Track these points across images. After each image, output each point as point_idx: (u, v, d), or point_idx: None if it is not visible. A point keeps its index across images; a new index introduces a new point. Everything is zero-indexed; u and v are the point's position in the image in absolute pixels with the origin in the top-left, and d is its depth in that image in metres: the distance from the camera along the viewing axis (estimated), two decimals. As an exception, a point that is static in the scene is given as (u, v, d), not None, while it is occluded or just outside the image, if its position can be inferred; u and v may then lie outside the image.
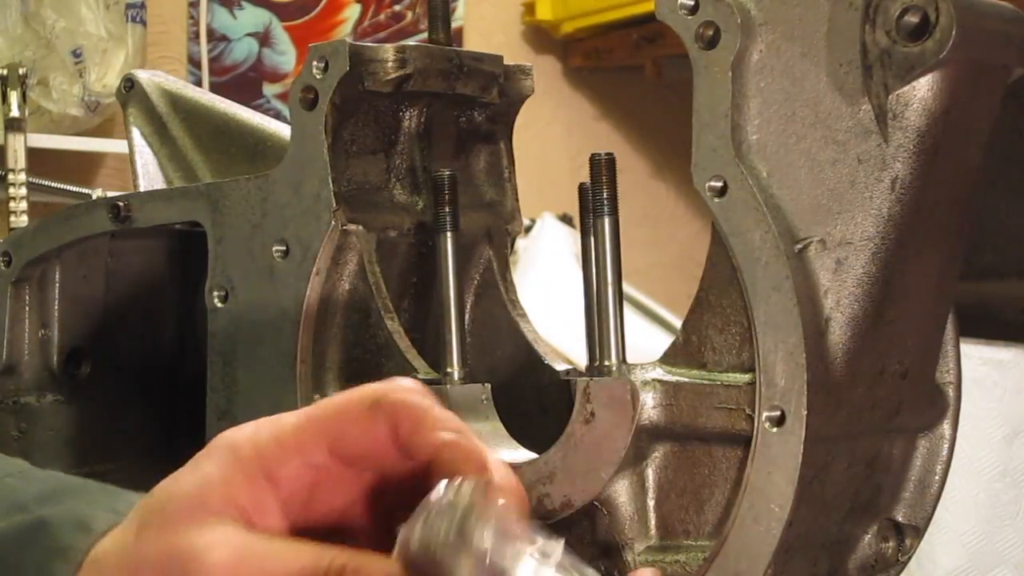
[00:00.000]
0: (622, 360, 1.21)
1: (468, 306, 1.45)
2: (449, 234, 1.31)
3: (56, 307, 1.57)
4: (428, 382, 1.31)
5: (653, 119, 4.96)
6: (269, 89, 4.48)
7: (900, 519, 1.25)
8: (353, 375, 1.36)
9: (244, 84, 4.43)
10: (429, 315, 1.42)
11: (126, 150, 1.61)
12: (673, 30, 1.16)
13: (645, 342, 2.87)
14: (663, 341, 1.64)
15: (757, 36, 1.14)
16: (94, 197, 3.27)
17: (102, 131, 3.94)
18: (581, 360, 1.40)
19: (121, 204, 1.48)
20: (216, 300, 1.41)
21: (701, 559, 1.17)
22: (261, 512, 0.90)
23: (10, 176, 3.37)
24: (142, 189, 1.57)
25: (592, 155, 1.24)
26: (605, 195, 1.22)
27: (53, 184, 3.63)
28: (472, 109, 1.44)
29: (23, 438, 1.57)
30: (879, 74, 1.10)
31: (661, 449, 1.20)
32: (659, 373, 1.19)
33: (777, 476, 1.12)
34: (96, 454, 1.59)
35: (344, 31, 4.62)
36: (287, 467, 0.90)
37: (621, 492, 1.21)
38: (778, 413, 1.12)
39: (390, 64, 1.34)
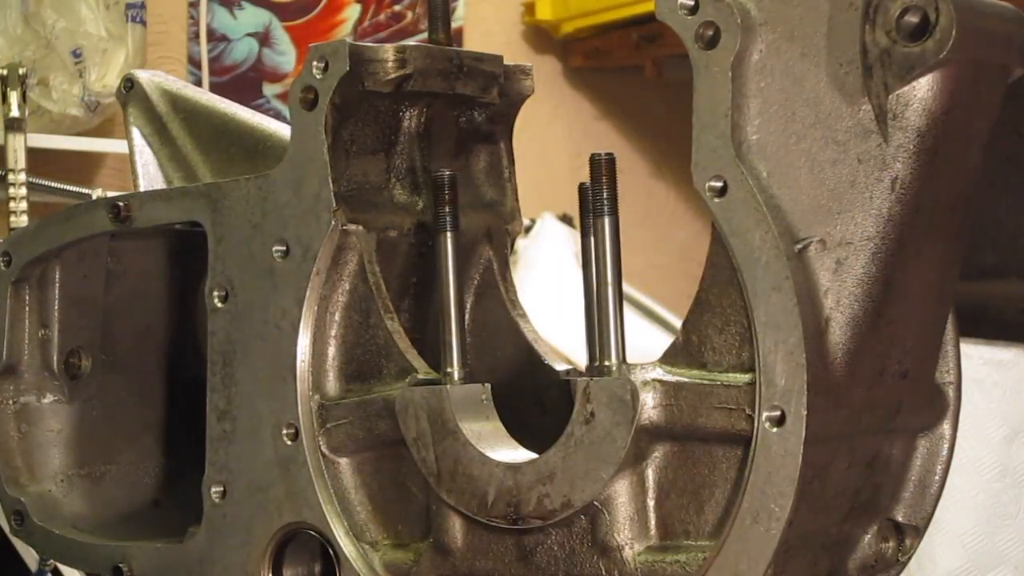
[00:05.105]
0: (622, 360, 1.21)
1: (468, 306, 1.45)
2: (449, 234, 1.31)
3: (56, 307, 1.57)
4: (428, 382, 1.31)
5: (653, 119, 4.96)
6: (269, 89, 4.48)
7: (900, 519, 1.25)
8: (353, 375, 1.36)
9: (244, 84, 4.43)
10: (429, 315, 1.42)
11: (126, 150, 1.61)
12: (673, 30, 1.16)
13: (645, 342, 2.87)
14: (663, 341, 1.64)
15: (757, 36, 1.14)
16: (94, 197, 3.27)
17: (102, 131, 3.94)
18: (581, 360, 1.40)
19: (121, 204, 1.48)
20: (216, 300, 1.41)
21: (701, 559, 1.17)
22: None
23: (10, 176, 3.37)
24: (142, 189, 1.57)
25: (592, 155, 1.24)
26: (605, 195, 1.22)
27: (53, 184, 3.63)
28: (472, 109, 1.44)
29: (23, 438, 1.57)
30: (879, 74, 1.10)
31: (661, 449, 1.20)
32: (659, 373, 1.19)
33: (777, 476, 1.12)
34: (96, 454, 1.59)
35: (344, 31, 4.61)
36: None
37: (621, 492, 1.21)
38: (778, 413, 1.12)
39: (390, 64, 1.34)
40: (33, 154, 3.47)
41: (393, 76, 1.35)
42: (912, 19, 1.09)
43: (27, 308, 1.57)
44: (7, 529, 1.60)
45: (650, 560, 1.20)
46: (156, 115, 1.59)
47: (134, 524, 1.57)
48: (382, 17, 4.66)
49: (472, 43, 4.59)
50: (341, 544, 1.34)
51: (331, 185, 1.33)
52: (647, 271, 4.44)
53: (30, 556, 2.85)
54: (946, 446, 1.26)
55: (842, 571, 1.23)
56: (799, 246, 1.13)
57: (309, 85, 1.33)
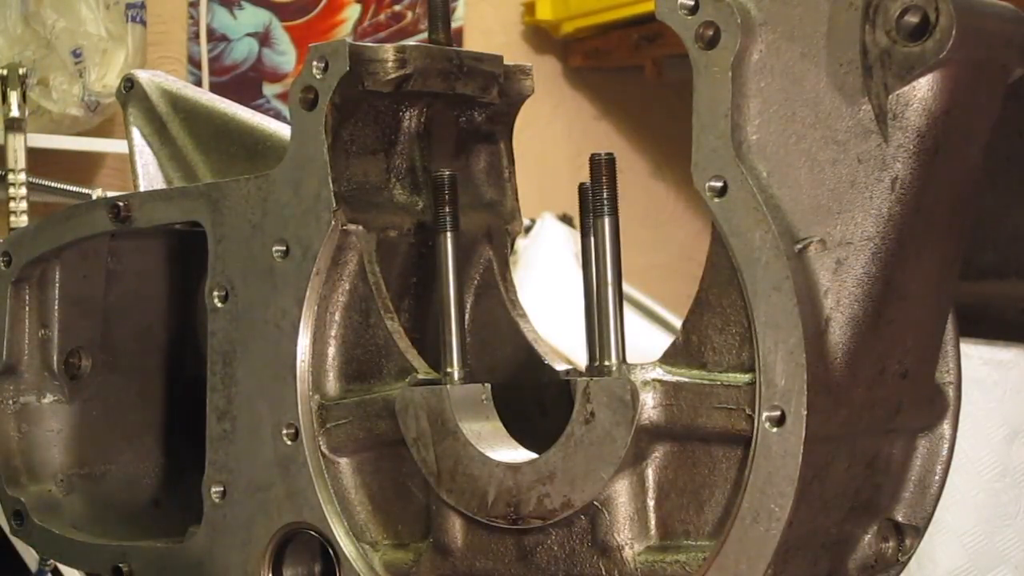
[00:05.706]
0: (622, 360, 1.21)
1: (468, 306, 1.45)
2: (449, 234, 1.31)
3: (56, 307, 1.57)
4: (428, 382, 1.31)
5: (653, 119, 4.96)
6: (269, 89, 4.48)
7: (900, 519, 1.25)
8: (353, 375, 1.36)
9: (244, 84, 4.43)
10: (429, 315, 1.42)
11: (126, 150, 1.61)
12: (673, 30, 1.16)
13: (645, 342, 2.87)
14: (663, 341, 1.64)
15: (757, 36, 1.14)
16: (94, 197, 3.27)
17: (102, 131, 3.94)
18: (581, 360, 1.40)
19: (121, 204, 1.48)
20: (216, 300, 1.41)
21: (701, 559, 1.17)
22: None
23: (10, 176, 3.37)
24: (142, 189, 1.57)
25: (592, 155, 1.24)
26: (605, 195, 1.22)
27: (53, 184, 3.63)
28: (472, 109, 1.44)
29: (23, 438, 1.57)
30: (879, 74, 1.10)
31: (661, 449, 1.20)
32: (659, 373, 1.19)
33: (777, 476, 1.12)
34: (96, 454, 1.59)
35: (344, 31, 4.61)
36: None
37: (621, 492, 1.21)
38: (778, 413, 1.12)
39: (390, 64, 1.34)
40: (33, 154, 3.47)
41: (393, 76, 1.35)
42: (912, 19, 1.09)
43: (27, 308, 1.57)
44: (7, 529, 1.60)
45: (650, 560, 1.20)
46: (156, 115, 1.59)
47: (134, 524, 1.57)
48: (382, 17, 4.66)
49: (472, 43, 4.59)
50: (341, 544, 1.34)
51: (331, 185, 1.33)
52: (647, 271, 4.44)
53: (30, 556, 2.85)
54: (946, 446, 1.26)
55: (842, 571, 1.23)
56: (799, 246, 1.13)
57: (309, 85, 1.33)
